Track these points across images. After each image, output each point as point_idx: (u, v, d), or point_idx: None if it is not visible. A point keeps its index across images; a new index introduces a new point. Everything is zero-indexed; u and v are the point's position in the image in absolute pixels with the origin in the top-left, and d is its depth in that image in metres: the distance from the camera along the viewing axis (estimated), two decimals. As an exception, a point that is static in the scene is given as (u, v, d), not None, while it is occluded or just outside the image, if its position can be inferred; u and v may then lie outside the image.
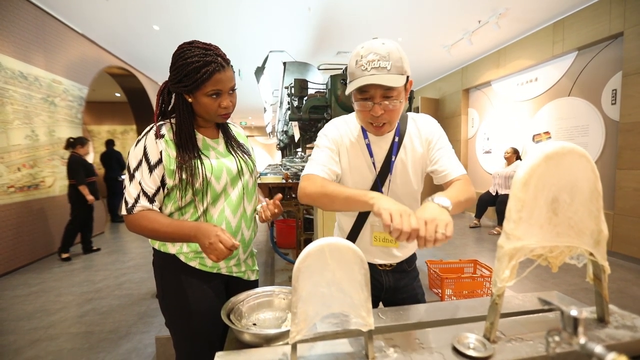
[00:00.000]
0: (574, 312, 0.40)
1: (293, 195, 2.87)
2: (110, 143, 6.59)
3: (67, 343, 2.09)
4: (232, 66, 0.92)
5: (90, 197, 3.82)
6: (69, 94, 4.58)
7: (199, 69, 0.84)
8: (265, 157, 16.16)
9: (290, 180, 2.59)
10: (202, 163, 0.90)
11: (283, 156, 7.91)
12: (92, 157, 9.05)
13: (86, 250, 4.14)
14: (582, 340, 0.38)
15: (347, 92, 0.89)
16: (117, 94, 7.73)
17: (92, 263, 3.80)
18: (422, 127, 0.99)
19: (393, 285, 1.07)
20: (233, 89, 0.93)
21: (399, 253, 1.04)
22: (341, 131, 0.99)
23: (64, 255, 3.86)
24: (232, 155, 0.99)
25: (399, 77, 0.82)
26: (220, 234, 0.80)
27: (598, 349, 0.35)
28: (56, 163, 4.25)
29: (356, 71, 0.83)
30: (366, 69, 0.81)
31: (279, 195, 1.02)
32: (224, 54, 0.91)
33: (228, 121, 1.07)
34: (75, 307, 2.61)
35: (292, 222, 3.21)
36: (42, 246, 3.98)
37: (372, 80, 0.80)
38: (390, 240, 0.99)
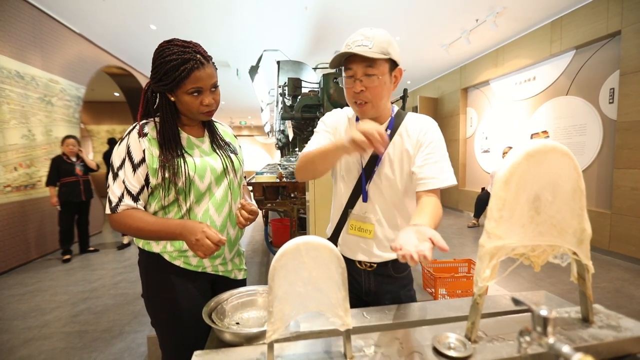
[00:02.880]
0: (543, 312, 0.39)
1: (292, 195, 2.86)
2: (112, 142, 6.61)
3: (60, 342, 2.08)
4: (213, 63, 0.91)
5: (53, 200, 3.65)
6: (66, 93, 4.58)
7: (177, 67, 0.83)
8: (265, 156, 16.14)
9: (284, 180, 2.58)
10: (185, 162, 0.89)
11: (282, 155, 7.90)
12: (91, 156, 9.08)
13: (83, 250, 4.14)
14: (551, 340, 0.37)
15: (330, 65, 0.92)
16: (116, 94, 7.73)
17: (89, 262, 3.80)
18: (417, 128, 0.95)
19: (374, 289, 1.02)
20: (215, 86, 0.91)
21: (379, 251, 0.99)
22: (337, 118, 1.03)
23: (63, 257, 3.86)
24: (217, 154, 0.98)
25: (380, 54, 0.85)
26: (206, 230, 0.80)
27: (565, 348, 0.35)
28: (53, 162, 4.24)
29: (344, 49, 0.88)
30: (350, 47, 0.86)
31: (244, 204, 1.00)
32: (204, 50, 0.89)
33: (215, 120, 1.07)
34: (70, 307, 2.61)
35: (287, 221, 3.21)
36: (39, 245, 3.98)
37: (353, 50, 0.84)
38: (365, 231, 0.97)
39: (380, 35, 0.86)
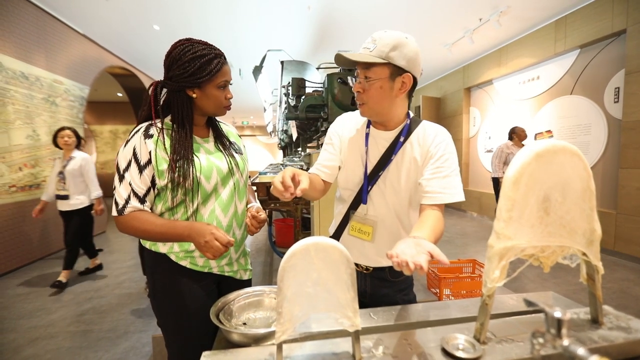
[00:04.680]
0: (557, 314, 0.39)
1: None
2: None
3: (65, 341, 2.09)
4: None
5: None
6: (70, 94, 4.60)
7: (211, 61, 0.89)
8: (268, 156, 16.15)
9: (288, 180, 2.58)
10: (192, 162, 0.89)
11: (284, 155, 7.90)
12: (94, 156, 9.13)
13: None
14: (565, 342, 0.37)
15: (334, 59, 0.92)
16: (119, 94, 7.77)
17: (93, 262, 3.82)
18: (429, 139, 0.92)
19: (370, 291, 1.03)
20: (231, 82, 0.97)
21: (376, 257, 0.99)
22: (345, 122, 1.04)
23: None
24: (222, 154, 0.98)
25: (373, 57, 0.84)
26: (215, 232, 0.81)
27: (581, 351, 0.34)
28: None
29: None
30: (360, 49, 0.89)
31: (254, 209, 1.03)
32: None
33: (219, 120, 1.07)
34: (75, 306, 2.62)
35: (291, 221, 3.21)
36: (44, 245, 4.01)
37: (344, 53, 0.86)
38: (364, 233, 0.97)
39: (386, 38, 0.84)
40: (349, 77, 1.00)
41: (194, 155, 0.91)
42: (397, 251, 0.62)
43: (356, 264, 1.02)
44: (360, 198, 0.98)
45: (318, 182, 0.97)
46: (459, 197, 0.88)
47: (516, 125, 4.42)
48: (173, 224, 0.85)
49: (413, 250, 0.62)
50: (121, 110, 8.88)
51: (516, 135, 4.35)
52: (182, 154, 0.88)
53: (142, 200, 0.87)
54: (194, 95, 0.92)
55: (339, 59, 0.87)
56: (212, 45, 0.93)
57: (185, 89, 0.90)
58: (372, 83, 0.87)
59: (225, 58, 0.93)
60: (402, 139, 0.93)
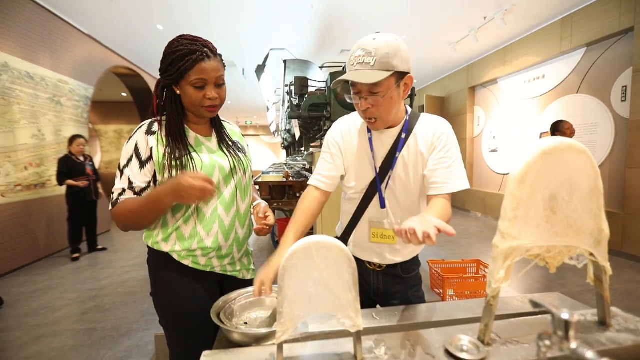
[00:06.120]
0: (565, 315, 0.37)
1: (298, 195, 2.86)
2: None
3: (69, 340, 2.11)
4: (221, 58, 0.91)
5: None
6: (75, 93, 4.64)
7: (182, 57, 0.84)
8: (271, 156, 16.17)
9: (291, 179, 2.57)
10: (192, 159, 0.89)
11: (288, 155, 7.90)
12: (99, 156, 9.19)
13: (91, 249, 4.19)
14: (573, 344, 0.36)
15: (332, 86, 0.91)
16: (124, 94, 7.81)
17: (97, 261, 3.85)
18: (431, 131, 0.93)
19: (383, 289, 1.04)
20: (221, 82, 0.91)
21: (390, 255, 1.00)
22: (342, 129, 1.01)
23: (73, 256, 3.89)
24: (225, 152, 0.98)
25: (381, 73, 0.81)
26: (184, 176, 0.77)
27: (589, 354, 0.33)
28: (62, 162, 4.29)
29: (347, 67, 0.86)
30: (353, 64, 0.83)
31: (262, 211, 1.03)
32: (214, 46, 0.90)
33: (223, 119, 1.06)
34: (79, 304, 2.64)
35: (294, 220, 3.20)
36: (49, 244, 4.04)
37: (351, 77, 0.82)
38: (388, 237, 0.97)
39: (382, 46, 0.80)
40: (345, 96, 0.97)
41: (194, 152, 0.91)
42: (404, 226, 0.64)
43: (369, 262, 1.03)
44: (369, 196, 0.98)
45: (316, 208, 0.96)
46: (464, 185, 0.90)
47: (562, 120, 3.37)
48: (153, 191, 0.83)
49: (420, 225, 0.63)
50: (125, 110, 8.91)
51: (560, 134, 3.22)
52: (174, 150, 0.87)
53: (137, 194, 0.87)
54: (178, 92, 0.90)
55: (339, 82, 0.85)
56: (198, 41, 0.87)
57: (171, 85, 0.90)
58: (384, 97, 0.84)
59: (207, 55, 0.85)
60: (403, 135, 0.93)
